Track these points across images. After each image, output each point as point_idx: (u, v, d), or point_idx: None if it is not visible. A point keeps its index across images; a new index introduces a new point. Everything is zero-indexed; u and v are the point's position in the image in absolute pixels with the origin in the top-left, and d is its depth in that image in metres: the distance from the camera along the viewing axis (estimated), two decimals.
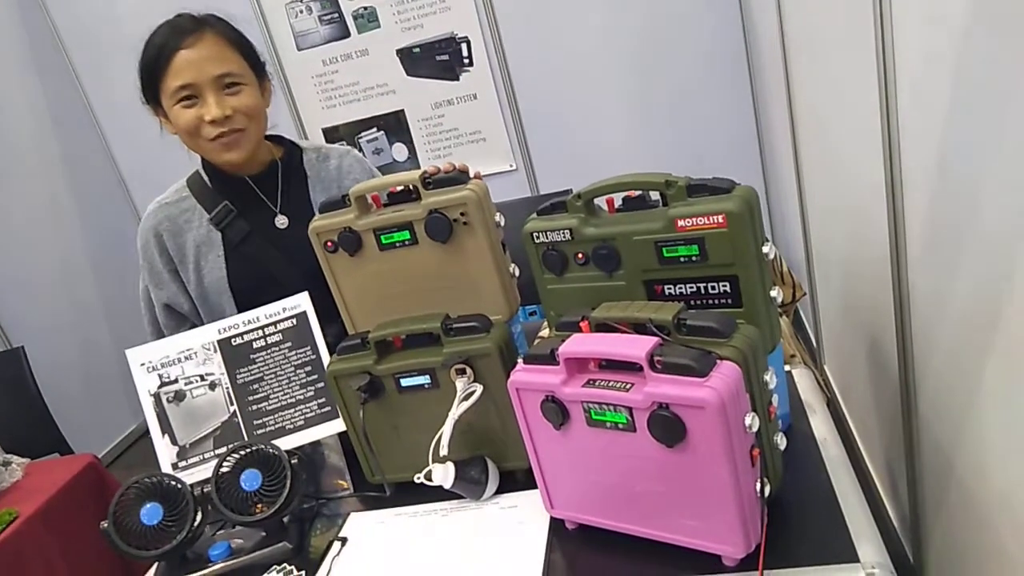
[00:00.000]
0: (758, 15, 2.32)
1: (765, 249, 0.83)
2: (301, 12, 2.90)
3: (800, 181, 1.86)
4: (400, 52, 2.90)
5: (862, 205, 1.24)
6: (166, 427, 1.10)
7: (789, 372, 1.09)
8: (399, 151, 3.08)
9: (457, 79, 2.90)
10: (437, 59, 2.88)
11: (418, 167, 2.56)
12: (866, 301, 1.36)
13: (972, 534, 0.93)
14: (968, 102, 0.73)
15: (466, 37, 2.82)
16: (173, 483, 1.00)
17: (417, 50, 2.88)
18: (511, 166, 2.97)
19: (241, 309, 1.26)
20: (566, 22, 2.73)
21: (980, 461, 0.86)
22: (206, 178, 1.33)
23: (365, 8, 2.85)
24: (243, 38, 1.26)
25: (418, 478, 0.95)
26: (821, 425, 0.98)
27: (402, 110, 3.00)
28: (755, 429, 0.73)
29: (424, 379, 0.98)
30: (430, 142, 3.03)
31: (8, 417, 1.73)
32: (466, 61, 2.87)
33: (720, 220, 0.81)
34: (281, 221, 1.32)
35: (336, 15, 2.88)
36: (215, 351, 1.11)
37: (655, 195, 0.88)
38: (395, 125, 3.03)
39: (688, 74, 2.72)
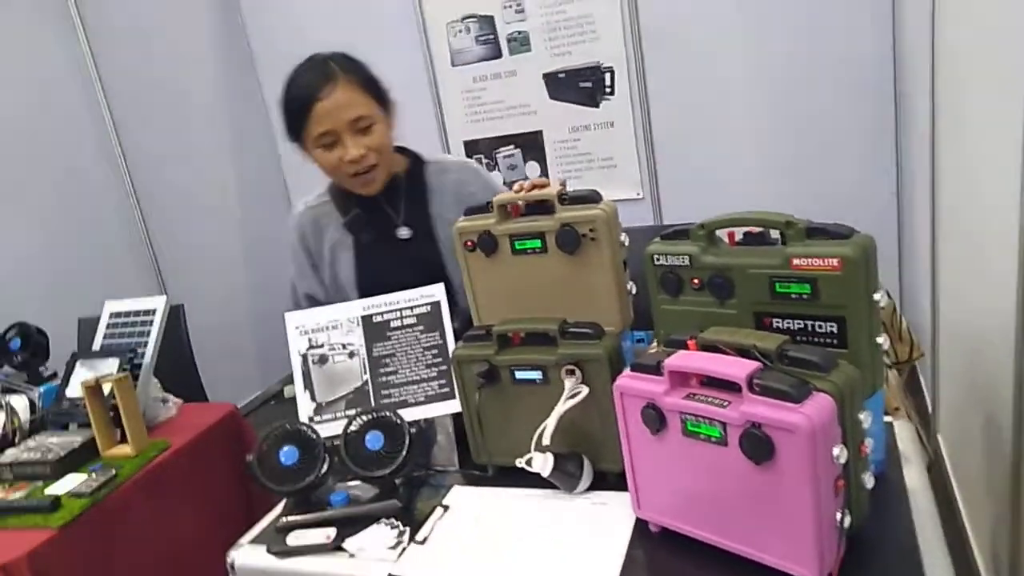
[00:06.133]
0: (909, 61, 2.27)
1: (876, 296, 0.87)
2: (460, 31, 3.11)
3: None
4: (546, 76, 3.05)
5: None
6: (308, 384, 1.25)
7: (889, 423, 1.10)
8: (532, 169, 3.23)
9: (597, 106, 3.01)
10: (580, 85, 3.01)
11: None
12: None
13: None
14: None
15: (611, 67, 2.93)
16: (310, 432, 1.15)
17: (563, 75, 3.02)
18: (638, 195, 3.04)
19: None
20: (710, 60, 2.77)
21: None
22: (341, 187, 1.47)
23: (519, 32, 3.02)
24: (370, 79, 1.37)
25: (519, 463, 1.04)
26: (915, 478, 0.99)
27: (540, 131, 3.14)
28: (842, 461, 0.77)
29: (537, 374, 1.08)
30: (563, 163, 3.15)
31: (165, 364, 1.98)
32: (608, 90, 2.97)
33: (835, 263, 0.86)
34: (403, 232, 1.46)
35: (492, 36, 3.07)
36: (358, 325, 1.26)
37: (775, 234, 0.94)
38: (531, 144, 3.18)
39: (829, 121, 2.67)
